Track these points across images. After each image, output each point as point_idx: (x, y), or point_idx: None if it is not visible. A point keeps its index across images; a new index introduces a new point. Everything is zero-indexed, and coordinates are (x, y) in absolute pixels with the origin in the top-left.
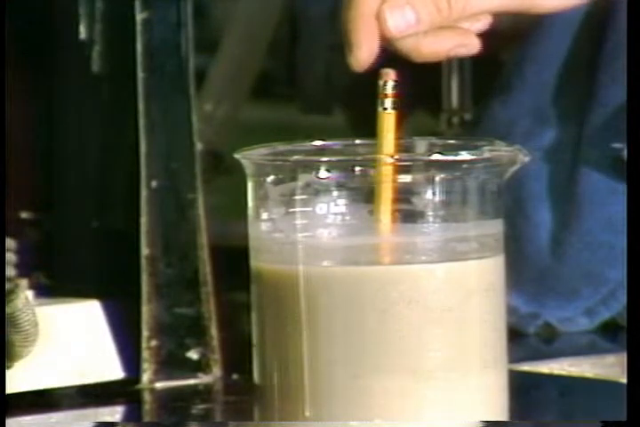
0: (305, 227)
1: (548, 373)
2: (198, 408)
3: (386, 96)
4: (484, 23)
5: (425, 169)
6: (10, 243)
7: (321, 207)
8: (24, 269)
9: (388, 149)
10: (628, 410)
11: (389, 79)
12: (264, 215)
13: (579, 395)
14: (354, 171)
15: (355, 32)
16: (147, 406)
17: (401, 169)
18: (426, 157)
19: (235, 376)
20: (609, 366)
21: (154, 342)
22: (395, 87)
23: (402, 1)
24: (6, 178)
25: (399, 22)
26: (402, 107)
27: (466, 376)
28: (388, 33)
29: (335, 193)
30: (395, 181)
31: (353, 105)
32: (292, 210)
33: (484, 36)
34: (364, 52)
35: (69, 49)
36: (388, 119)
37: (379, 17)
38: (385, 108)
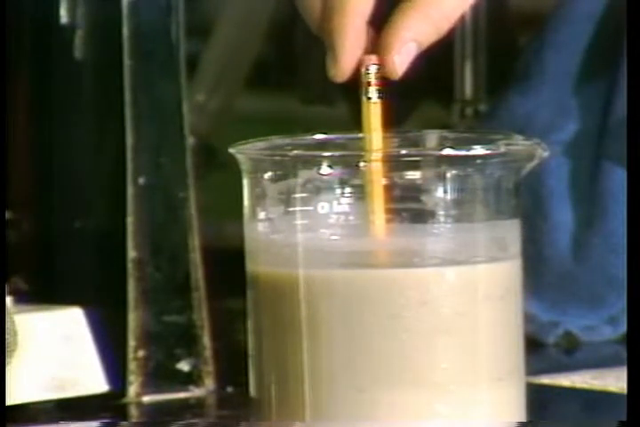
0: (305, 227)
1: (569, 386)
2: (189, 424)
3: (369, 84)
4: None
5: (435, 165)
6: None
7: (323, 206)
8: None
9: (376, 143)
10: (627, 412)
11: (371, 64)
12: (261, 215)
13: (602, 410)
14: (358, 166)
15: (342, 41)
16: (133, 422)
17: (409, 165)
18: (436, 152)
19: (229, 389)
20: None
21: (141, 353)
22: (378, 74)
23: (406, 37)
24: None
25: (405, 62)
26: (387, 95)
27: (479, 390)
28: (394, 76)
29: (338, 191)
30: (388, 178)
31: (357, 95)
32: (291, 209)
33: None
34: (348, 63)
35: (49, 34)
36: (373, 110)
37: (386, 64)
38: (369, 98)
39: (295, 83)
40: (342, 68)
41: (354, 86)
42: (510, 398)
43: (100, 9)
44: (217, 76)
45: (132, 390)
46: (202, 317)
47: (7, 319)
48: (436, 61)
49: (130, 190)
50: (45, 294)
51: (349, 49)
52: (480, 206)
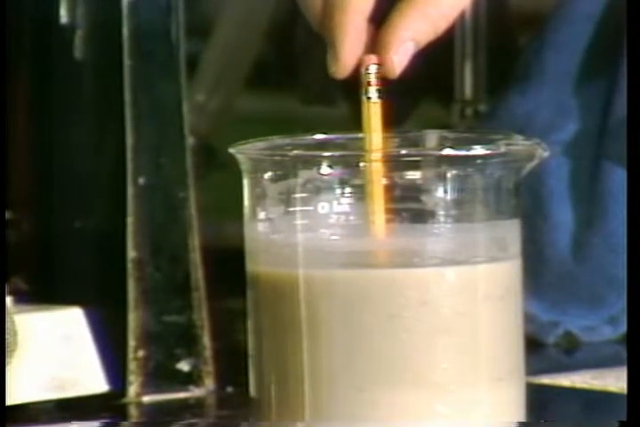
0: (305, 227)
1: (569, 386)
2: (189, 424)
3: (369, 84)
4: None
5: (435, 165)
6: None
7: (323, 206)
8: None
9: (376, 143)
10: (627, 412)
11: (371, 64)
12: (261, 215)
13: (602, 410)
14: (358, 166)
15: (343, 38)
16: (133, 422)
17: (410, 165)
18: (436, 152)
19: (229, 389)
20: None
21: (141, 353)
22: (378, 73)
23: (404, 36)
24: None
25: (403, 61)
26: (387, 95)
27: (479, 390)
28: (392, 75)
29: (338, 191)
30: (388, 178)
31: (357, 95)
32: (291, 209)
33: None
34: (348, 60)
35: (49, 34)
36: (373, 110)
37: (384, 63)
38: (369, 98)
39: (295, 83)
40: (343, 65)
41: (354, 86)
42: (510, 399)
43: (100, 9)
44: (217, 76)
45: (132, 390)
46: (202, 317)
47: (7, 319)
48: (436, 61)
49: (130, 190)
50: (45, 294)
51: (350, 46)
52: (480, 206)
